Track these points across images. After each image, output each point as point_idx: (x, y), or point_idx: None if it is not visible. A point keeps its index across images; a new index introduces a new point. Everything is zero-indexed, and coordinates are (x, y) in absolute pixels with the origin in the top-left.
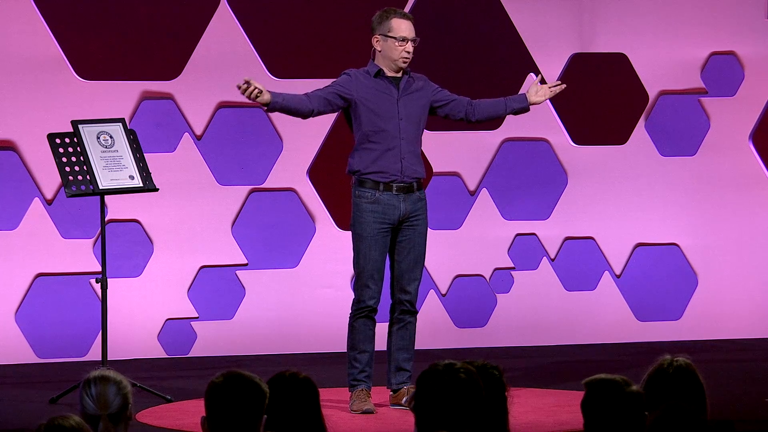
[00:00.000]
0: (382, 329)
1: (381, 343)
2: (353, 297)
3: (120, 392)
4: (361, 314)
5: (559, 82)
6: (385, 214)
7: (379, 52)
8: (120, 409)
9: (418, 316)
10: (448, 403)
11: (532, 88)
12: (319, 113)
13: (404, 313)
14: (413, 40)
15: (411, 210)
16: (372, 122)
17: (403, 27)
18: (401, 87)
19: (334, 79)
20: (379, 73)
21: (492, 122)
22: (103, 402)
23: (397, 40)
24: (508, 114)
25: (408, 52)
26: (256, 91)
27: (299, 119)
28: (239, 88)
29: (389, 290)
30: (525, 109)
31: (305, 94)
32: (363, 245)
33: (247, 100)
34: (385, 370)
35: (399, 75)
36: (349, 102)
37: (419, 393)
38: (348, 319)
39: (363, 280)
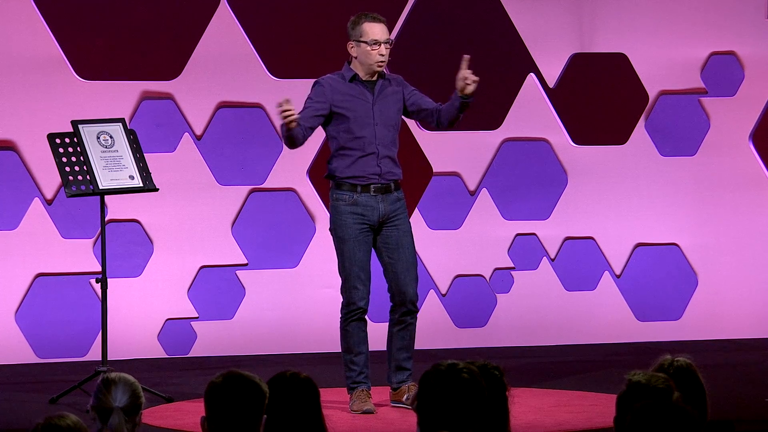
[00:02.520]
0: (377, 328)
1: (376, 342)
2: (342, 301)
3: (131, 392)
4: (353, 317)
5: (467, 64)
6: (365, 215)
7: (355, 58)
8: (127, 407)
9: (417, 315)
10: (450, 403)
11: (459, 83)
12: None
13: (406, 315)
14: (386, 42)
15: (390, 210)
16: (348, 129)
17: (375, 30)
18: (376, 91)
19: (308, 96)
20: (354, 78)
21: (454, 124)
22: (112, 394)
23: (369, 44)
24: (459, 112)
25: (382, 55)
26: (293, 118)
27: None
28: (280, 105)
29: (387, 293)
30: (465, 105)
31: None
32: (346, 247)
33: (248, 100)
34: (383, 369)
35: (374, 79)
36: (327, 115)
37: (422, 393)
38: (339, 323)
39: (351, 282)
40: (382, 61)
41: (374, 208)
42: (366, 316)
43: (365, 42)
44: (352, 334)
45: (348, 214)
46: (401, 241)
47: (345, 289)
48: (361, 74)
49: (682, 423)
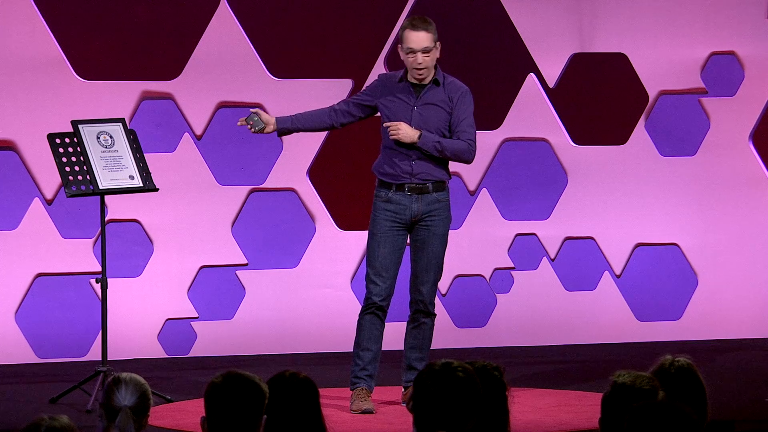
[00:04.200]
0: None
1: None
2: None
3: (141, 393)
4: (368, 311)
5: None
6: (397, 213)
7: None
8: (135, 407)
9: (434, 320)
10: (446, 402)
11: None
12: (348, 124)
13: (418, 313)
14: (423, 51)
15: (424, 210)
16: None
17: (411, 38)
18: (420, 95)
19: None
20: (403, 79)
21: (447, 159)
22: (121, 394)
23: (405, 51)
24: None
25: (419, 63)
26: (257, 129)
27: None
28: (246, 122)
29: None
30: (416, 147)
31: (331, 107)
32: (373, 241)
33: (247, 100)
34: (391, 369)
35: (423, 83)
36: (373, 107)
37: (417, 393)
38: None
39: (370, 276)
40: (418, 70)
41: (407, 207)
42: (383, 315)
43: (403, 50)
44: (364, 328)
45: (381, 210)
46: (428, 242)
47: (366, 282)
48: (410, 76)
49: (680, 423)
